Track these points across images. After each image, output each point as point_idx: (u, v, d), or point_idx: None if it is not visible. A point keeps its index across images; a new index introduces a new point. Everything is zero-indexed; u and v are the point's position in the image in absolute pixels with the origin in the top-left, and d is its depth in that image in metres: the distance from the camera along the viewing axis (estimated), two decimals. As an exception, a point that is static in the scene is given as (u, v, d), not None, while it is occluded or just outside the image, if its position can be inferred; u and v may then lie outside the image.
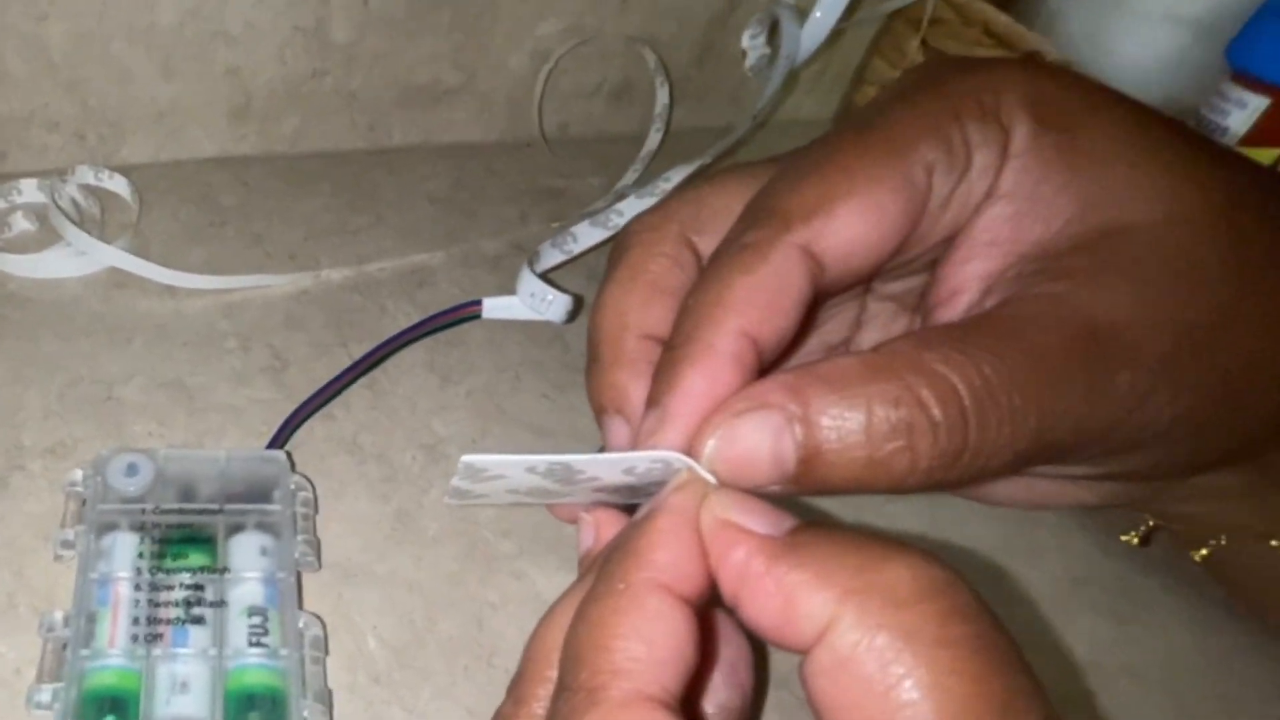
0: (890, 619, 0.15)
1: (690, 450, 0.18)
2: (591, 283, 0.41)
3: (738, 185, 0.22)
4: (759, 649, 0.24)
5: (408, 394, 0.36)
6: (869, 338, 0.26)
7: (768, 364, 0.19)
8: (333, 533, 0.31)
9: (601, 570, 0.17)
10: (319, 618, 0.28)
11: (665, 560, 0.17)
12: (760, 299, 0.19)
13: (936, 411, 0.17)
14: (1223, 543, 0.28)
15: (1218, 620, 0.33)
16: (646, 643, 0.16)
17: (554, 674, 0.17)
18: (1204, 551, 0.29)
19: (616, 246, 0.24)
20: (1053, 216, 0.20)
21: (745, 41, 0.44)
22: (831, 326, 0.26)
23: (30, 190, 0.40)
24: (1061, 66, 0.21)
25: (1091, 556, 0.35)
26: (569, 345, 0.39)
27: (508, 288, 0.39)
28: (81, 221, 0.38)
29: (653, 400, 0.19)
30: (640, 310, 0.22)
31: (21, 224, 0.39)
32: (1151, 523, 0.29)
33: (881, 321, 0.25)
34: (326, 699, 0.26)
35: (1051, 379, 0.18)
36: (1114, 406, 0.19)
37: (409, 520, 0.32)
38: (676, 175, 0.38)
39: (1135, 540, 0.30)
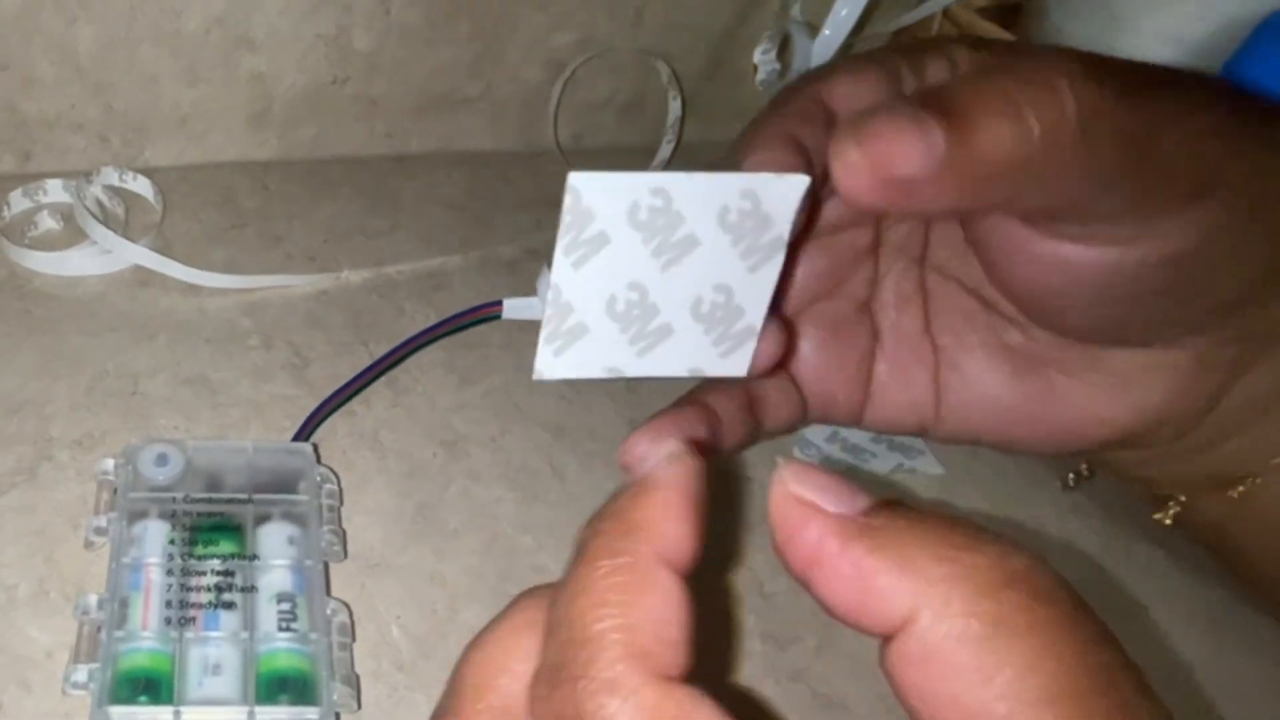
0: (979, 607, 0.14)
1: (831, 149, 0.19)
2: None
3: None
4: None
5: (427, 392, 0.37)
6: (888, 286, 0.28)
7: None
8: (355, 525, 0.32)
9: (591, 545, 0.16)
10: (346, 604, 0.29)
11: (669, 533, 0.16)
12: None
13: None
14: (1183, 500, 0.30)
15: (1218, 616, 0.34)
16: (662, 620, 0.15)
17: (506, 684, 0.17)
18: (1169, 516, 0.30)
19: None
20: None
21: (756, 57, 0.45)
22: (852, 285, 0.27)
23: (56, 190, 0.40)
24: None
25: (1092, 557, 0.36)
26: (584, 348, 0.40)
27: (524, 291, 0.40)
28: (106, 221, 0.39)
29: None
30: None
31: (47, 223, 0.39)
32: (1183, 497, 0.30)
33: (895, 275, 0.27)
34: (354, 683, 0.27)
35: None
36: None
37: (430, 514, 0.33)
38: (691, 183, 0.39)
39: (1168, 520, 0.31)
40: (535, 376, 0.20)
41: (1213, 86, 0.23)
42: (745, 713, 0.14)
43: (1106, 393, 0.26)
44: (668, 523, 0.16)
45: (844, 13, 0.41)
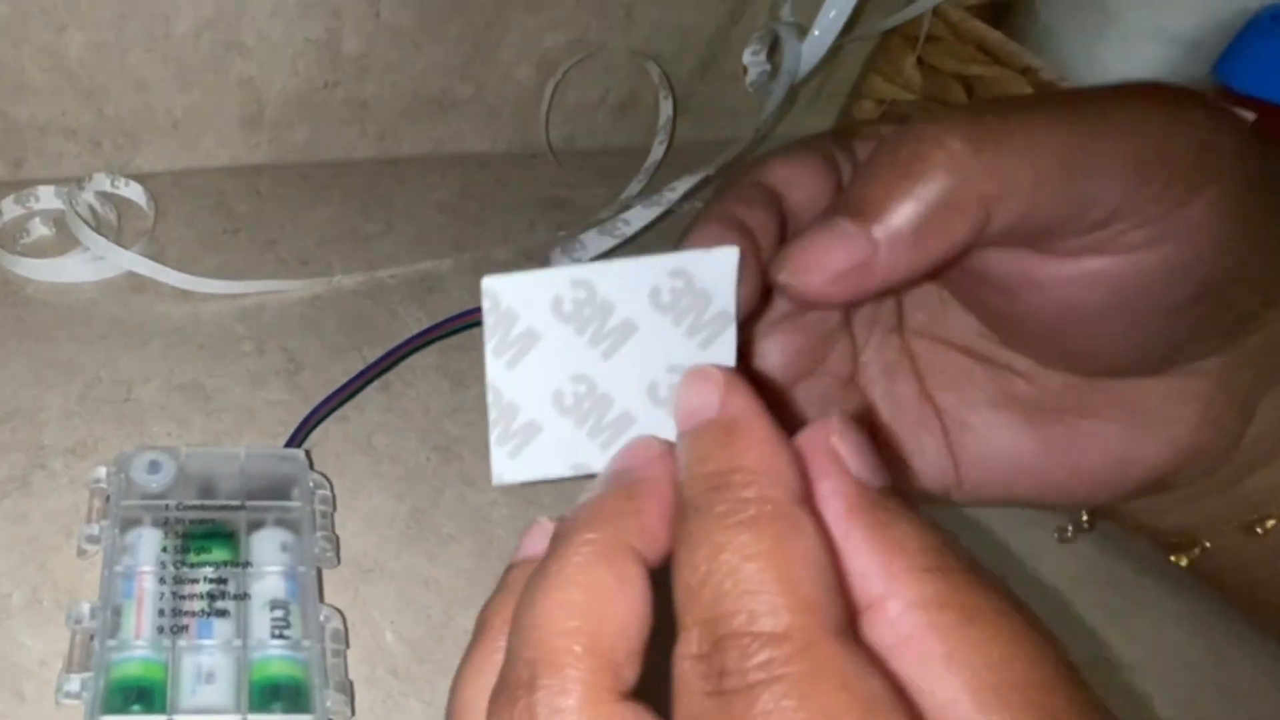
0: (955, 599, 0.15)
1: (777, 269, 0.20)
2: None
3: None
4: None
5: (420, 396, 0.37)
6: (870, 358, 0.27)
7: None
8: (349, 531, 0.32)
9: (718, 495, 0.16)
10: (339, 611, 0.29)
11: (786, 468, 0.16)
12: None
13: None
14: (1207, 546, 0.29)
15: (1213, 616, 0.34)
16: (819, 564, 0.15)
17: (604, 632, 0.15)
18: (1185, 561, 0.30)
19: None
20: None
21: (746, 59, 0.45)
22: (832, 362, 0.27)
23: (48, 197, 0.40)
24: None
25: (1089, 556, 0.36)
26: (577, 350, 0.40)
27: (517, 294, 0.40)
28: (98, 227, 0.39)
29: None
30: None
31: (39, 230, 0.39)
32: (1208, 544, 0.30)
33: (875, 345, 0.27)
34: (348, 690, 0.27)
35: None
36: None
37: (424, 519, 0.33)
38: (682, 185, 0.39)
39: (1185, 563, 0.30)
40: (495, 482, 0.19)
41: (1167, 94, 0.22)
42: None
43: (1137, 431, 0.25)
44: (779, 457, 0.16)
45: (832, 14, 0.41)
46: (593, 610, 0.16)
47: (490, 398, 0.19)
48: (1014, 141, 0.20)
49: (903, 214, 0.20)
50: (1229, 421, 0.25)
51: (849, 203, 0.20)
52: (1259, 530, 0.28)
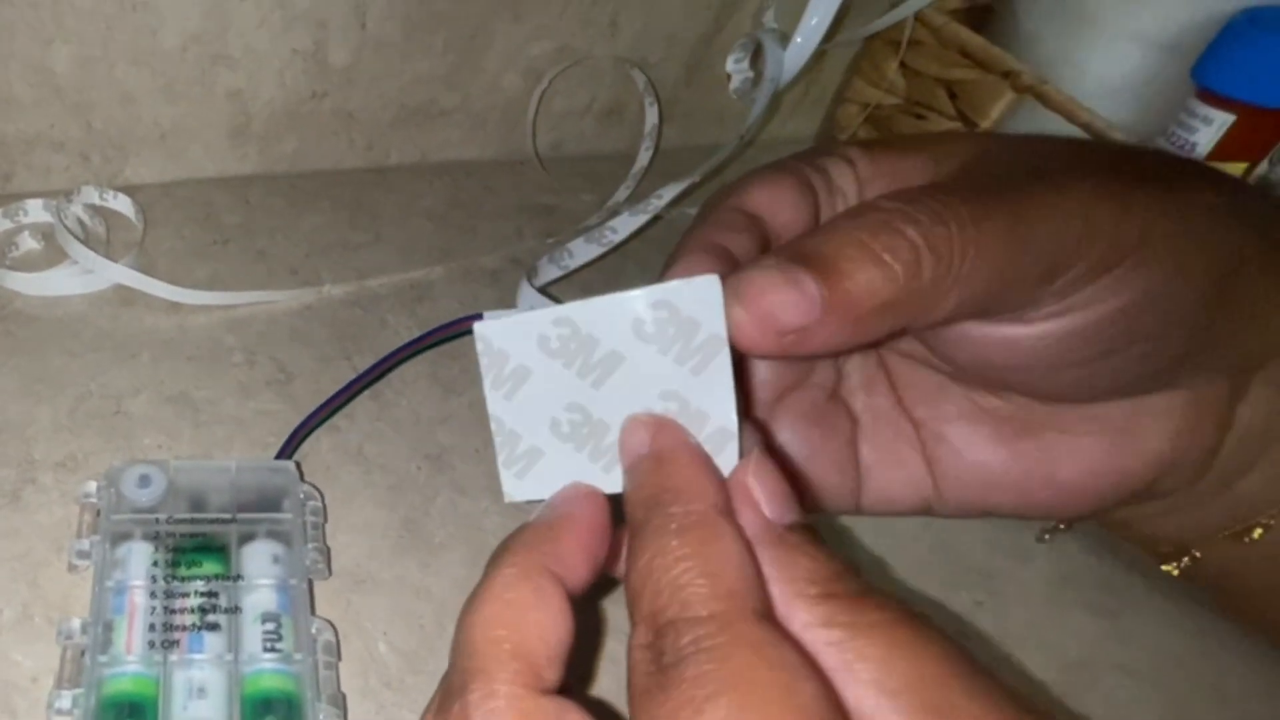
0: (834, 619, 0.17)
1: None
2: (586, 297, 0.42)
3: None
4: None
5: (411, 405, 0.37)
6: (852, 371, 0.27)
7: None
8: (340, 541, 0.32)
9: (654, 509, 0.18)
10: (331, 623, 0.29)
11: (712, 485, 0.18)
12: None
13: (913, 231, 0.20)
14: (1197, 556, 0.29)
15: (1204, 616, 0.34)
16: (739, 561, 0.17)
17: (505, 655, 0.17)
18: (1178, 569, 0.30)
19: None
20: None
21: (730, 65, 0.46)
22: (819, 374, 0.27)
23: (36, 210, 0.40)
24: None
25: (1079, 557, 0.36)
26: (566, 358, 0.40)
27: (506, 301, 0.40)
28: (87, 240, 0.39)
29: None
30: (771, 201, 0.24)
31: (28, 243, 0.39)
32: (1198, 554, 0.30)
33: (857, 359, 0.27)
34: (341, 703, 0.27)
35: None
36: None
37: (416, 528, 0.33)
38: (668, 192, 0.39)
39: (1176, 571, 0.30)
40: (506, 500, 0.21)
41: (1090, 157, 0.23)
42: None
43: (1111, 445, 0.25)
44: (700, 478, 0.18)
45: (815, 21, 0.41)
46: (514, 620, 0.18)
47: (494, 426, 0.21)
48: (968, 259, 0.20)
49: (868, 289, 0.19)
50: (1205, 431, 0.26)
51: (811, 255, 0.20)
52: (1246, 539, 0.28)
